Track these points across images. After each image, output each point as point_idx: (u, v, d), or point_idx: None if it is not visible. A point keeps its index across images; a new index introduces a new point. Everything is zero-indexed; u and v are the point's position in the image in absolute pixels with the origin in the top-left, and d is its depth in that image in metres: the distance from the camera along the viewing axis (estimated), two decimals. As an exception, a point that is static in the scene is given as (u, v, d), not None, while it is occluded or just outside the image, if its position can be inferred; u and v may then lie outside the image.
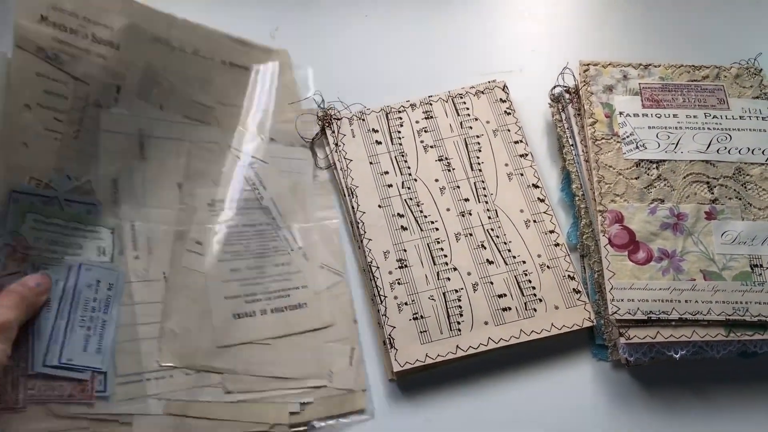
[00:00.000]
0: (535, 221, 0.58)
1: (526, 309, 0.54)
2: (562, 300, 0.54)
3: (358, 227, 0.57)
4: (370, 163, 0.60)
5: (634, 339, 0.51)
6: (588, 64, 0.62)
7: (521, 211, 0.58)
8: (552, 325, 0.53)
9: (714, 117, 0.59)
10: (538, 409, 0.52)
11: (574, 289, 0.55)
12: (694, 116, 0.59)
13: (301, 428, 0.50)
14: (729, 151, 0.58)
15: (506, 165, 0.60)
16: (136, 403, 0.48)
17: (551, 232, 0.57)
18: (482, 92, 0.63)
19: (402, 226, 0.57)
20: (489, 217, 0.58)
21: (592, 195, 0.57)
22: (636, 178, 0.56)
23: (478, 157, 0.60)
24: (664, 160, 0.57)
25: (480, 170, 0.60)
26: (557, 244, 0.57)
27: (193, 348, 0.51)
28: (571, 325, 0.53)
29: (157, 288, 0.52)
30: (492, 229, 0.57)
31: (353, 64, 0.67)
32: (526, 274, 0.55)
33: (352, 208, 0.58)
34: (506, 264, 0.56)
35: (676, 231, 0.54)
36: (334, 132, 0.61)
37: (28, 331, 0.46)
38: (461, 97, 0.63)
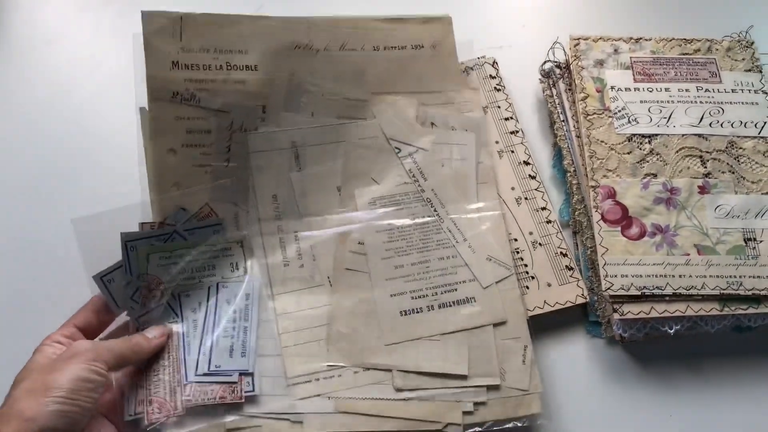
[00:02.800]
0: (526, 198, 0.57)
1: (518, 287, 0.53)
2: (554, 277, 0.54)
3: None
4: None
5: (628, 315, 0.50)
6: (579, 39, 0.61)
7: (512, 188, 0.57)
8: (545, 302, 0.53)
9: (706, 90, 0.58)
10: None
11: (566, 266, 0.54)
12: (686, 90, 0.58)
13: (476, 429, 0.48)
14: (722, 125, 0.57)
15: (497, 142, 0.59)
16: (306, 402, 0.48)
17: (543, 209, 0.56)
18: (471, 68, 0.62)
19: None
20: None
21: (584, 171, 0.56)
22: (628, 153, 0.56)
23: (468, 135, 0.59)
24: (657, 135, 0.56)
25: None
26: (549, 221, 0.56)
27: (361, 347, 0.50)
28: (564, 302, 0.53)
29: (323, 292, 0.51)
30: (483, 207, 0.56)
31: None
32: (517, 252, 0.55)
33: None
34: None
35: (669, 206, 0.54)
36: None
37: (181, 347, 0.49)
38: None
